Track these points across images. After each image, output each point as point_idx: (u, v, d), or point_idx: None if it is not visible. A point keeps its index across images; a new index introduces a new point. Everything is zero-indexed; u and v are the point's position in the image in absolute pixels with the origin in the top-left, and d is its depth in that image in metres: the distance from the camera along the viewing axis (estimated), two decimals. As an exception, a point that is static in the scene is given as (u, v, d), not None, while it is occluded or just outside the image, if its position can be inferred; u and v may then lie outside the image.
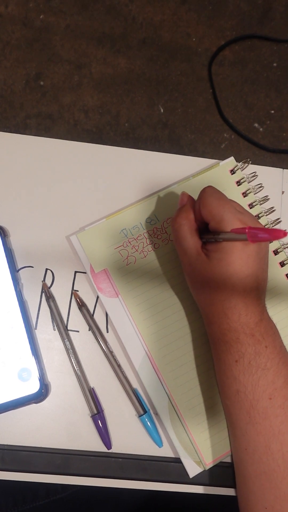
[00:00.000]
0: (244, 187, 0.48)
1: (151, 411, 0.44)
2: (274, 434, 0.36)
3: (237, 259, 0.37)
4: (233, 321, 0.37)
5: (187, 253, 0.39)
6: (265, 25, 0.54)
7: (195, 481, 0.43)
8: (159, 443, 0.44)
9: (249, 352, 0.37)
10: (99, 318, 0.46)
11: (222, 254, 0.37)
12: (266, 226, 0.47)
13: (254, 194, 0.48)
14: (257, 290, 0.38)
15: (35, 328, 0.45)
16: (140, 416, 0.44)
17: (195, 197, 0.47)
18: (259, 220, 0.47)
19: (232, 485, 0.42)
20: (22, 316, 0.43)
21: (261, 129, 0.52)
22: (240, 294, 0.37)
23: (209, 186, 0.40)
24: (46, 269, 0.46)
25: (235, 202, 0.40)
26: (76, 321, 0.46)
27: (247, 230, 0.32)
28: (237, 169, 0.48)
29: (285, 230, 0.29)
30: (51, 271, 0.46)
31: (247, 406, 0.36)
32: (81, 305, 0.45)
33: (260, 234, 0.31)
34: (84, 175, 0.48)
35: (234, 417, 0.38)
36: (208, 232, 0.39)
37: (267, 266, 0.40)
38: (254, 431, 0.36)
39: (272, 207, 0.48)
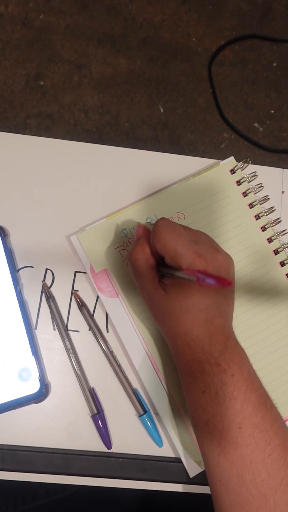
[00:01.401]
0: (244, 187, 0.48)
1: (151, 411, 0.44)
2: (246, 464, 0.35)
3: (195, 291, 0.36)
4: (197, 352, 0.36)
5: (145, 288, 0.39)
6: (265, 25, 0.54)
7: (195, 481, 0.43)
8: (159, 443, 0.44)
9: (215, 382, 0.36)
10: (99, 318, 0.46)
11: (179, 289, 0.37)
12: (266, 227, 0.47)
13: (254, 194, 0.48)
14: (220, 318, 0.37)
15: (35, 328, 0.45)
16: (140, 416, 0.44)
17: (195, 196, 0.47)
18: (259, 219, 0.47)
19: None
20: (22, 316, 0.43)
21: (261, 129, 0.52)
22: (202, 324, 0.36)
23: (161, 219, 0.39)
24: (46, 269, 0.46)
25: (190, 230, 0.40)
26: (76, 321, 0.46)
27: (196, 274, 0.31)
28: (237, 169, 0.48)
29: (230, 280, 0.29)
30: (51, 271, 0.46)
31: (217, 436, 0.36)
32: (81, 305, 0.45)
33: (209, 281, 0.30)
34: (84, 175, 0.48)
35: (205, 448, 0.37)
36: (165, 266, 0.38)
37: (232, 291, 0.39)
38: (226, 462, 0.35)
39: (272, 207, 0.48)
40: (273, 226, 0.48)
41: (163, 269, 0.38)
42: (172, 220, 0.47)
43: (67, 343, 0.44)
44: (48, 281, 0.46)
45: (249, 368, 0.38)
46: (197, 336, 0.36)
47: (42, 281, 0.46)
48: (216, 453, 0.36)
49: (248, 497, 0.35)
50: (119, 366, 0.45)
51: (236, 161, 0.48)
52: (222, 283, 0.29)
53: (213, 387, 0.36)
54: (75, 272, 0.46)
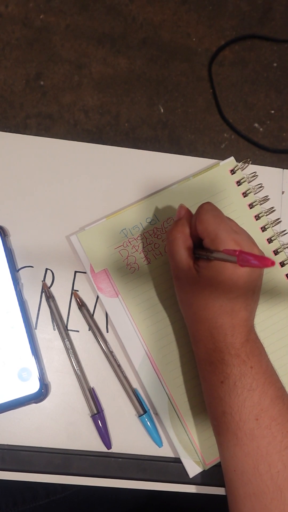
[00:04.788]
0: (244, 187, 0.48)
1: (151, 411, 0.44)
2: (262, 455, 0.35)
3: (227, 279, 0.36)
4: (219, 341, 0.37)
5: (178, 267, 0.39)
6: (265, 25, 0.54)
7: (195, 481, 0.43)
8: (159, 443, 0.44)
9: (234, 373, 0.36)
10: (99, 318, 0.46)
11: (212, 273, 0.37)
12: (266, 227, 0.47)
13: (254, 194, 0.48)
14: (246, 311, 0.37)
15: (35, 328, 0.45)
16: (140, 416, 0.44)
17: (195, 196, 0.47)
18: (259, 220, 0.47)
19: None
20: (22, 316, 0.43)
21: (261, 129, 0.52)
22: (227, 314, 0.37)
23: (207, 202, 0.39)
24: (46, 269, 0.46)
25: (233, 221, 0.40)
26: (76, 321, 0.46)
27: (237, 253, 0.31)
28: (237, 169, 0.48)
29: (273, 260, 0.29)
30: (51, 271, 0.46)
31: (234, 427, 0.36)
32: (81, 305, 0.45)
33: (251, 260, 0.30)
34: (84, 175, 0.48)
35: (222, 438, 0.37)
36: (201, 249, 0.39)
37: (259, 288, 0.39)
38: (242, 453, 0.36)
39: (272, 207, 0.48)
40: (273, 226, 0.48)
41: (199, 251, 0.39)
42: (172, 220, 0.47)
43: (67, 343, 0.44)
44: (48, 281, 0.46)
45: (267, 362, 0.38)
46: (221, 325, 0.37)
47: (42, 281, 0.46)
48: (232, 444, 0.36)
49: (263, 488, 0.35)
50: (119, 366, 0.45)
51: (236, 161, 0.48)
52: (264, 262, 0.29)
53: (232, 378, 0.36)
54: (75, 272, 0.46)
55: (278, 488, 0.35)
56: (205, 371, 0.38)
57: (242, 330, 0.37)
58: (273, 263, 0.29)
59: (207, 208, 0.39)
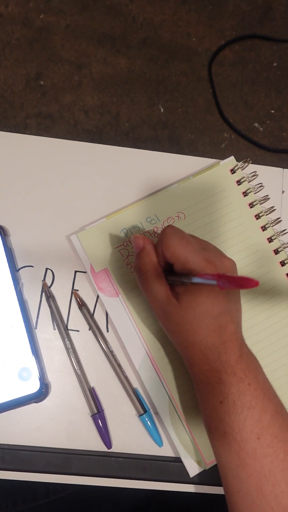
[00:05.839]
0: (244, 186, 0.48)
1: (151, 411, 0.44)
2: (265, 475, 0.34)
3: (206, 298, 0.36)
4: (213, 361, 0.36)
5: (157, 299, 0.38)
6: (265, 25, 0.54)
7: (195, 480, 0.43)
8: (159, 443, 0.44)
9: (233, 392, 0.35)
10: (99, 317, 0.46)
11: (191, 296, 0.36)
12: (266, 226, 0.47)
13: (254, 193, 0.48)
14: (233, 324, 0.37)
15: (35, 328, 0.45)
16: (140, 415, 0.44)
17: (195, 196, 0.47)
18: (259, 219, 0.47)
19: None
20: (22, 315, 0.43)
21: (261, 129, 0.52)
22: (216, 332, 0.36)
23: (169, 227, 0.39)
24: (46, 269, 0.46)
25: (197, 238, 0.40)
26: (76, 320, 0.46)
27: (216, 277, 0.31)
28: (238, 169, 0.48)
29: (257, 280, 0.28)
30: (51, 271, 0.46)
31: (236, 448, 0.35)
32: (81, 305, 0.45)
33: (231, 284, 0.30)
34: (84, 175, 0.48)
35: (223, 459, 0.37)
36: (173, 274, 0.38)
37: (239, 297, 0.39)
38: (245, 474, 0.35)
39: (272, 207, 0.48)
40: (273, 225, 0.48)
41: (173, 278, 0.38)
42: (172, 220, 0.47)
43: (67, 342, 0.44)
44: (48, 281, 0.46)
45: (264, 376, 0.38)
46: (212, 345, 0.36)
47: (42, 281, 0.46)
48: (234, 465, 0.36)
49: (268, 509, 0.34)
50: (119, 365, 0.45)
51: (236, 161, 0.48)
52: (248, 284, 0.28)
53: (231, 397, 0.35)
54: (75, 271, 0.46)
55: (283, 508, 0.34)
56: (203, 392, 0.38)
57: (234, 345, 0.36)
58: (256, 284, 0.28)
59: (170, 232, 0.38)
